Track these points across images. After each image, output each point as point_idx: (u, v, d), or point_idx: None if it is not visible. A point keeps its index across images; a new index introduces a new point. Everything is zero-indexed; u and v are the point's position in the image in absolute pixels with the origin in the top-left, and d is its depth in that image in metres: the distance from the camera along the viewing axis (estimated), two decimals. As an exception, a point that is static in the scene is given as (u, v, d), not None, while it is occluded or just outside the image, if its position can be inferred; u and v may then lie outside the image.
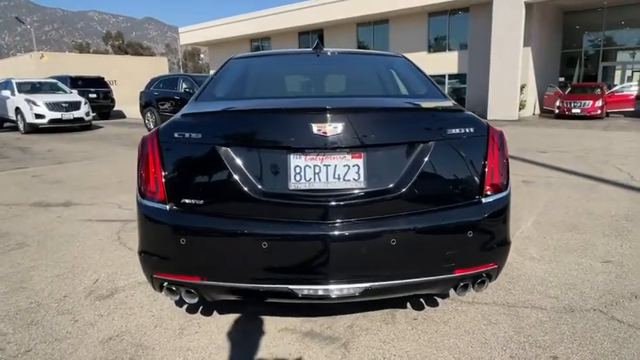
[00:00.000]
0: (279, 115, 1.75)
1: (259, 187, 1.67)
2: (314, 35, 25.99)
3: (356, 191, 1.67)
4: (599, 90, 15.61)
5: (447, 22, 19.76)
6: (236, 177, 1.67)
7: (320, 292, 1.69)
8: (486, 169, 1.76)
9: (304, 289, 1.68)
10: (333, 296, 1.68)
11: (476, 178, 1.76)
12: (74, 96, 13.52)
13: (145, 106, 12.88)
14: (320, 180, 1.67)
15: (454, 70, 19.70)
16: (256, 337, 2.08)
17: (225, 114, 1.87)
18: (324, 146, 1.66)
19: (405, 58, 2.78)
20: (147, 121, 12.95)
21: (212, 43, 30.73)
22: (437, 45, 20.35)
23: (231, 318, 2.24)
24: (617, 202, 4.31)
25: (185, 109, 1.97)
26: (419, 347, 1.95)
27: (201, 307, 2.35)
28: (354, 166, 1.68)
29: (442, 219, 1.69)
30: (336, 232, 1.63)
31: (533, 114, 18.32)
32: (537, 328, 2.08)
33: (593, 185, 5.06)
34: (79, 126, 13.30)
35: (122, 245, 3.37)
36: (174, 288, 1.80)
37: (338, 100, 1.95)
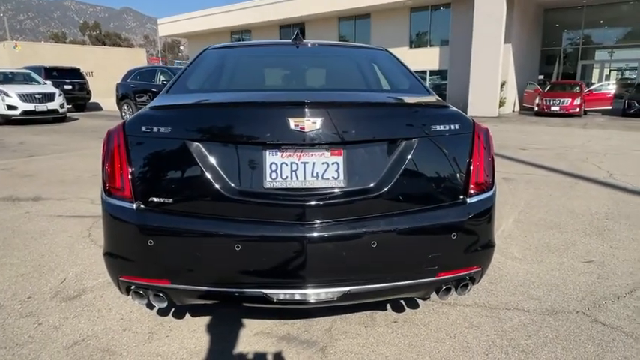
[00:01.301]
0: (254, 109, 1.64)
1: (232, 185, 1.57)
2: (295, 28, 25.76)
3: (335, 190, 1.59)
4: (577, 88, 15.88)
5: (429, 18, 19.82)
6: (208, 174, 1.57)
7: (296, 297, 1.60)
8: (471, 168, 1.70)
9: (279, 293, 1.59)
10: (311, 301, 1.60)
11: (460, 178, 1.69)
12: (48, 87, 13.05)
13: (121, 99, 12.53)
14: (297, 178, 1.58)
15: (435, 66, 19.79)
16: (230, 341, 1.98)
17: (196, 107, 1.75)
18: (301, 142, 1.56)
19: (387, 51, 2.70)
20: (124, 114, 12.61)
21: (192, 35, 30.16)
22: (418, 40, 20.40)
23: (203, 321, 2.14)
24: (597, 200, 4.34)
25: (154, 102, 1.84)
26: (399, 351, 1.89)
27: (172, 310, 2.24)
28: (333, 164, 1.59)
29: (425, 220, 1.62)
30: (314, 234, 1.55)
31: (513, 111, 18.55)
32: (520, 331, 2.04)
33: (573, 183, 5.09)
34: (53, 118, 12.85)
35: (92, 243, 3.21)
36: (141, 292, 1.69)
37: (317, 94, 1.86)
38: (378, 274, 1.62)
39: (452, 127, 1.70)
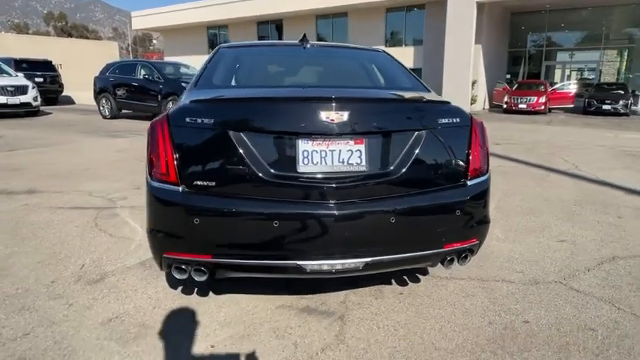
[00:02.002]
0: (290, 103, 1.86)
1: (270, 169, 1.78)
2: (273, 25, 25.78)
3: (358, 174, 1.82)
4: (542, 87, 16.72)
5: (404, 18, 20.32)
6: (248, 160, 1.77)
7: (325, 267, 1.83)
8: (470, 156, 1.97)
9: (311, 264, 1.81)
10: (338, 269, 1.83)
11: (462, 164, 1.96)
12: (20, 79, 12.66)
13: (99, 92, 12.33)
14: (326, 163, 1.80)
15: (410, 65, 20.28)
16: (256, 313, 2.19)
17: (237, 101, 1.95)
18: (330, 132, 1.79)
19: (386, 53, 2.95)
20: (101, 108, 12.40)
21: (167, 29, 29.65)
22: (394, 40, 20.88)
23: (226, 298, 2.34)
24: (566, 189, 4.76)
25: (191, 96, 2.02)
26: (408, 318, 2.15)
27: (195, 289, 2.42)
28: (356, 151, 1.82)
29: (434, 199, 1.89)
30: (341, 212, 1.78)
31: (484, 108, 19.31)
32: (509, 298, 2.34)
33: (544, 175, 5.53)
34: (25, 112, 12.49)
35: (102, 232, 3.33)
36: (183, 267, 1.88)
37: (342, 91, 2.08)
38: (395, 246, 1.87)
39: (454, 120, 1.97)
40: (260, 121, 1.81)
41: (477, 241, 2.04)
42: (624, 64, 21.87)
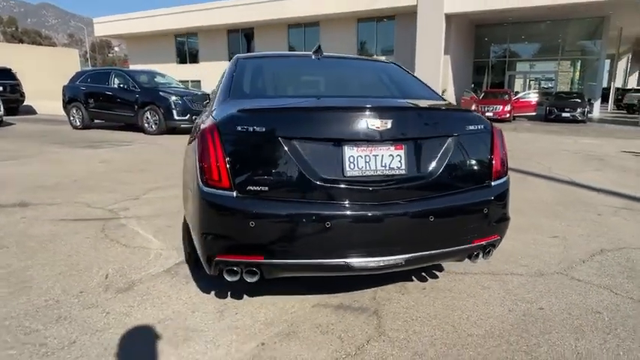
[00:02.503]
0: (338, 112, 2.00)
1: (319, 174, 1.92)
2: (244, 34, 25.82)
3: (399, 177, 1.99)
4: (507, 96, 17.62)
5: (375, 29, 20.90)
6: (298, 166, 1.90)
7: (371, 264, 1.98)
8: (493, 160, 2.19)
9: (359, 261, 1.96)
10: (382, 265, 1.99)
11: (486, 166, 2.17)
12: (-18, 89, 12.10)
13: (69, 102, 11.95)
14: (370, 168, 1.96)
15: (381, 74, 20.88)
16: (294, 313, 2.30)
17: (288, 110, 2.08)
18: (373, 139, 1.96)
19: (397, 64, 3.16)
20: (72, 118, 12.03)
21: (132, 37, 29.05)
22: (365, 50, 21.40)
23: (263, 299, 2.44)
24: (546, 190, 5.14)
25: (233, 105, 2.12)
26: (436, 310, 2.33)
27: (229, 293, 2.51)
28: (397, 156, 1.99)
29: (464, 199, 2.08)
30: (385, 212, 1.94)
31: (452, 116, 20.06)
32: (520, 288, 2.57)
33: (522, 178, 5.91)
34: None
35: (114, 242, 3.33)
36: (235, 269, 1.97)
37: (384, 101, 2.25)
38: (431, 243, 2.05)
39: (478, 127, 2.18)
40: (310, 129, 1.95)
41: (499, 237, 2.24)
42: (577, 74, 23.38)
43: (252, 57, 3.00)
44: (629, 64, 30.62)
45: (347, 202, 1.94)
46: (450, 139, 2.09)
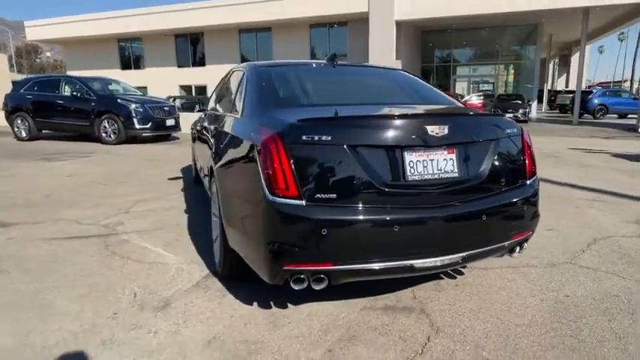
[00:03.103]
0: (397, 119, 2.08)
1: (382, 179, 1.99)
2: (192, 38, 25.18)
3: (452, 180, 2.11)
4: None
5: (328, 34, 21.22)
6: (362, 172, 1.96)
7: (431, 264, 2.08)
8: (526, 160, 2.37)
9: (421, 262, 2.05)
10: (442, 265, 2.09)
11: (522, 166, 2.35)
12: None
13: (13, 112, 11.06)
14: (427, 172, 2.06)
15: (336, 79, 21.23)
16: (347, 317, 2.35)
17: (350, 119, 2.12)
18: (429, 144, 2.06)
19: (406, 71, 3.30)
20: (16, 129, 11.14)
21: (70, 41, 27.32)
22: (319, 55, 21.65)
23: (309, 307, 2.45)
24: (522, 187, 5.53)
25: (288, 114, 2.14)
26: (477, 304, 2.47)
27: (272, 303, 2.50)
28: (449, 159, 2.11)
29: (509, 197, 2.24)
30: (442, 214, 2.05)
31: (404, 119, 20.81)
32: (542, 279, 2.78)
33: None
34: None
35: (126, 259, 3.18)
36: (302, 277, 1.99)
37: (437, 108, 2.35)
38: (483, 240, 2.19)
39: (513, 130, 2.36)
40: (372, 136, 2.02)
41: (532, 232, 2.43)
42: (512, 77, 25.15)
43: (271, 65, 3.02)
44: (558, 67, 33.48)
45: (409, 206, 2.03)
46: (492, 143, 2.24)
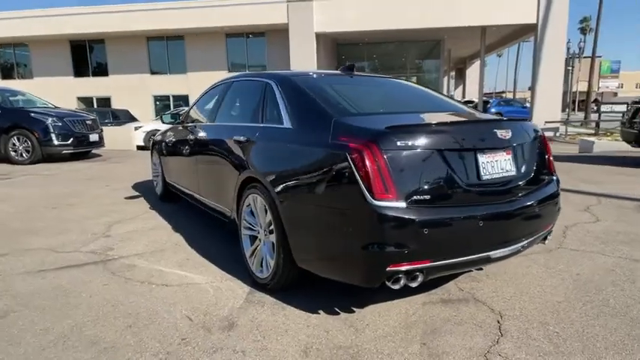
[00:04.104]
0: (472, 125, 2.32)
1: (464, 180, 2.21)
2: (91, 45, 23.16)
3: (512, 177, 2.41)
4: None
5: (245, 44, 21.08)
6: (449, 173, 2.17)
7: (502, 254, 2.33)
8: (550, 157, 2.77)
9: (495, 252, 2.29)
10: (509, 253, 2.35)
11: (548, 163, 2.74)
12: None
13: None
14: (495, 171, 2.33)
15: (256, 90, 21.12)
16: (415, 313, 2.49)
17: (435, 125, 2.29)
18: (494, 147, 2.34)
19: (411, 82, 3.59)
20: None
21: None
22: (237, 65, 21.38)
23: (374, 309, 2.55)
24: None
25: (383, 122, 2.24)
26: (515, 289, 2.79)
27: (336, 308, 2.55)
28: (508, 160, 2.41)
29: (548, 190, 2.61)
30: (510, 208, 2.33)
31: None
32: (550, 263, 3.22)
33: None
34: None
35: (148, 284, 2.95)
36: (401, 276, 2.10)
37: (485, 115, 2.61)
38: (535, 229, 2.51)
39: (538, 133, 2.74)
40: (454, 141, 2.24)
41: (554, 224, 2.82)
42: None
43: (301, 75, 3.09)
44: (455, 80, 37.37)
45: (486, 203, 2.27)
46: (531, 144, 2.59)
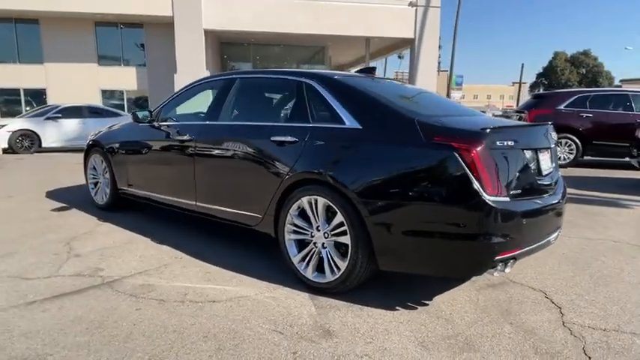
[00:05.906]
0: (541, 127, 2.64)
1: (537, 175, 2.56)
2: None
3: (551, 173, 2.81)
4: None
5: (119, 36, 18.96)
6: (530, 170, 2.49)
7: (553, 239, 2.72)
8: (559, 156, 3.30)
9: (552, 237, 2.67)
10: (552, 240, 2.74)
11: (557, 162, 3.25)
12: None
13: None
14: (546, 168, 2.71)
15: (134, 87, 19.19)
16: (480, 298, 2.73)
17: (521, 127, 2.56)
18: (544, 147, 2.71)
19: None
20: None
21: None
22: (110, 58, 19.08)
23: (441, 298, 2.71)
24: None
25: (459, 123, 2.47)
26: (539, 269, 3.23)
27: (408, 303, 2.64)
28: (548, 158, 2.81)
29: (564, 186, 3.08)
30: (555, 200, 2.73)
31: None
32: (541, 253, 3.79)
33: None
34: None
35: (189, 302, 2.61)
36: (502, 263, 2.31)
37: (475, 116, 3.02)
38: (562, 220, 2.95)
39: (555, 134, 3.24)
40: (532, 140, 2.59)
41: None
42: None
43: (341, 75, 3.09)
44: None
45: (547, 194, 2.64)
46: (555, 147, 3.05)
